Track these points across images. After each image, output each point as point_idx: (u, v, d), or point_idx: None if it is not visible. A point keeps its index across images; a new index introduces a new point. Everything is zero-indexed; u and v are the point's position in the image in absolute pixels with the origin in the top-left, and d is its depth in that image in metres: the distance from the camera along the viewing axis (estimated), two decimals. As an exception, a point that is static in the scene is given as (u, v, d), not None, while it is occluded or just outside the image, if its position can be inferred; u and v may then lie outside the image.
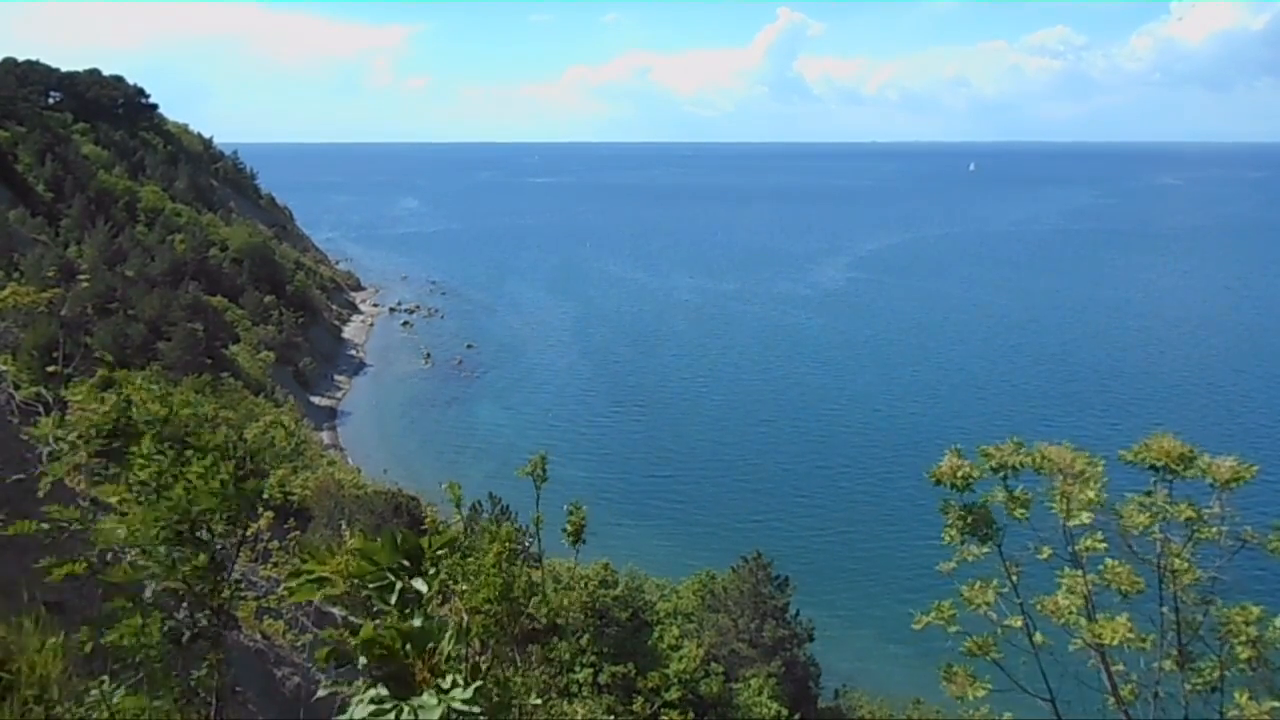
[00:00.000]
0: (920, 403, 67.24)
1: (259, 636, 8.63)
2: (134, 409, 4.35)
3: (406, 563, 2.29)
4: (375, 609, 2.28)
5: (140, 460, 3.95)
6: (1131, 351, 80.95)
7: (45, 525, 3.86)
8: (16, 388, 5.87)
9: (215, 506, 3.86)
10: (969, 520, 6.40)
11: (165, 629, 3.70)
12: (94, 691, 3.47)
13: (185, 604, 3.86)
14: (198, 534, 3.89)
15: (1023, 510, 6.23)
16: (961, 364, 77.84)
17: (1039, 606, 6.07)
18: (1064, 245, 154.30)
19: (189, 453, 4.01)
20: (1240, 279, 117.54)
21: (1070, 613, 5.89)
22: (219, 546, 3.99)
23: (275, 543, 12.48)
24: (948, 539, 6.47)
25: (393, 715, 2.07)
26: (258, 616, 8.86)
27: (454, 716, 2.08)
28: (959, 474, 6.35)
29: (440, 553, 2.34)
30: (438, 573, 2.30)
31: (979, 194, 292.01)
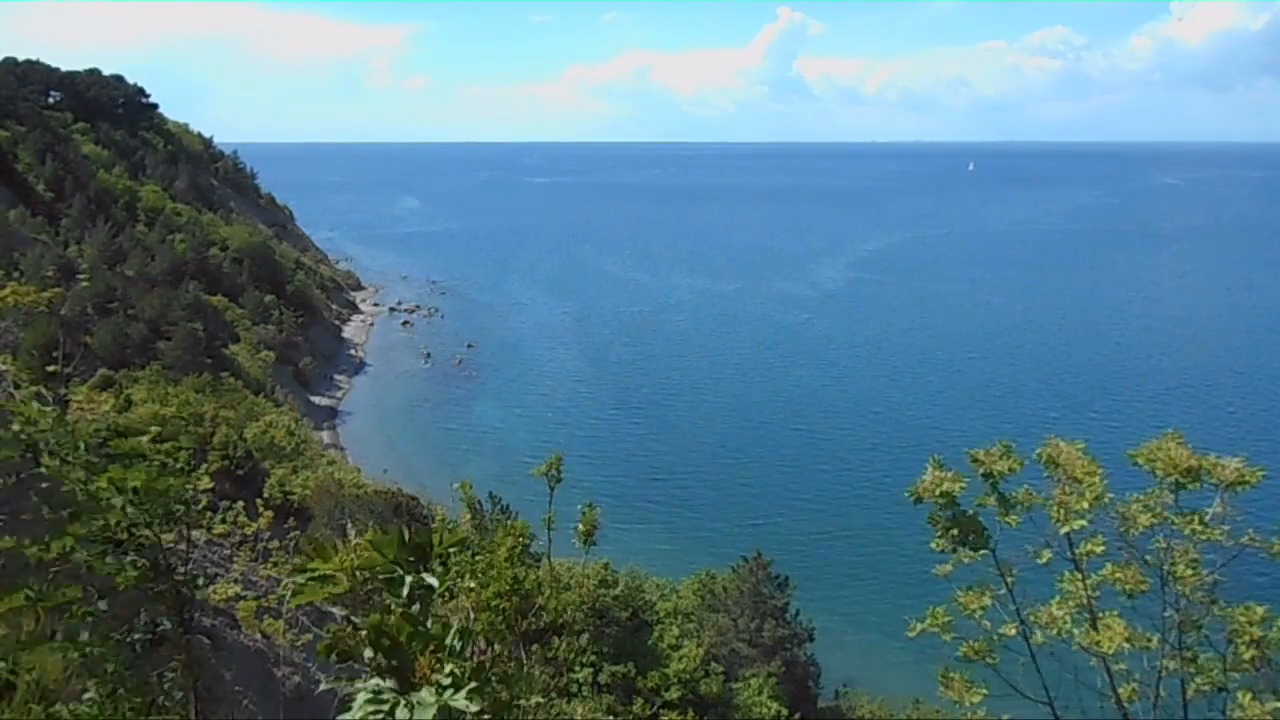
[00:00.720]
0: (920, 403, 67.24)
1: (259, 636, 8.62)
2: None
3: (414, 558, 2.29)
4: (383, 604, 2.28)
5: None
6: (1132, 352, 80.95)
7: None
8: (17, 387, 5.85)
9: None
10: (956, 531, 6.31)
11: (118, 638, 3.57)
12: (86, 695, 3.43)
13: (141, 611, 3.72)
14: (137, 539, 3.67)
15: (1015, 517, 6.16)
16: (962, 364, 77.86)
17: (1033, 617, 6.02)
18: (1064, 245, 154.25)
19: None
20: (1240, 279, 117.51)
21: (1066, 623, 5.83)
22: (167, 547, 3.77)
23: (275, 542, 12.47)
24: (937, 548, 6.41)
25: (389, 710, 2.07)
26: (258, 616, 8.85)
27: (452, 714, 2.07)
28: (940, 490, 6.22)
29: (449, 550, 2.34)
30: (447, 570, 2.30)
31: (979, 194, 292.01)
